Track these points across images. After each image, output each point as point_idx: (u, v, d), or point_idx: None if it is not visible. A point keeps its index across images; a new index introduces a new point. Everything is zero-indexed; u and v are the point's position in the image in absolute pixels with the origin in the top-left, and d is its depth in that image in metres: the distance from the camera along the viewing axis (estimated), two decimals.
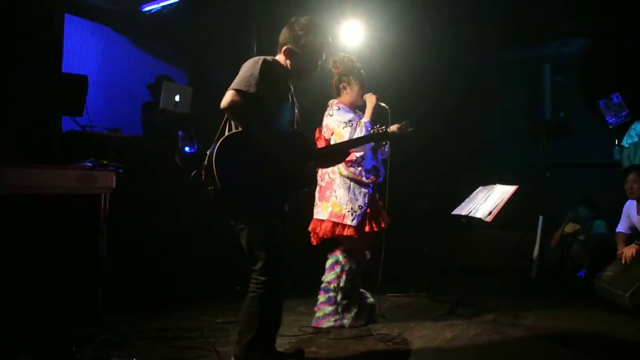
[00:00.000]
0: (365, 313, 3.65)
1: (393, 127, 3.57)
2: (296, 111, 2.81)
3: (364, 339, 3.38)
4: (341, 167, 3.59)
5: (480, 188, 4.39)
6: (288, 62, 2.68)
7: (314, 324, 3.63)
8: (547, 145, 6.00)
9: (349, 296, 3.63)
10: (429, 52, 6.31)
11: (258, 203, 2.47)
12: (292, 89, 2.75)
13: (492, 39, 6.25)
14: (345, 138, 3.42)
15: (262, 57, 2.53)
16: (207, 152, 2.40)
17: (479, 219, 3.97)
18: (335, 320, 3.60)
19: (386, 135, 3.32)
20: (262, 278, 2.50)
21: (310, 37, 2.65)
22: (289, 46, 2.66)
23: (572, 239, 5.45)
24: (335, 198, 3.58)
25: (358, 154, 3.57)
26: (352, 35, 5.00)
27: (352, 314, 3.61)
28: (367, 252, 3.75)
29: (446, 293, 4.57)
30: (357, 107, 3.73)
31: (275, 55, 2.71)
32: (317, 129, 3.74)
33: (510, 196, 4.01)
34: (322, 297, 3.70)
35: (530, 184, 5.45)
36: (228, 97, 2.41)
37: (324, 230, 3.58)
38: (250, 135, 2.45)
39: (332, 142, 3.53)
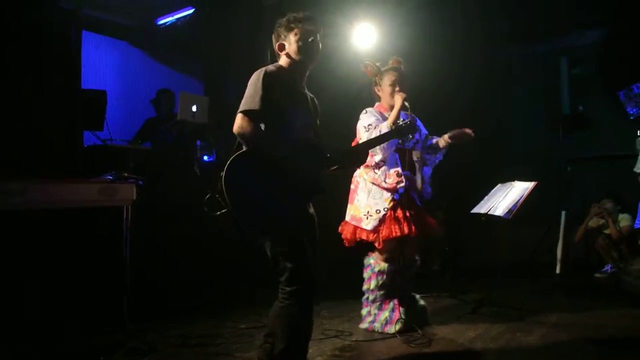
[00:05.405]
0: (395, 320, 3.51)
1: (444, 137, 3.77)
2: (312, 113, 2.73)
3: (387, 340, 3.38)
4: (362, 171, 3.60)
5: (498, 185, 4.35)
6: (287, 59, 2.63)
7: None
8: (566, 139, 5.93)
9: (380, 300, 3.60)
10: (442, 50, 6.27)
11: (275, 215, 2.44)
12: (304, 90, 2.71)
13: (506, 34, 6.19)
14: None
15: (263, 70, 2.51)
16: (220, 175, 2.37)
17: (499, 217, 3.95)
18: (369, 323, 3.62)
19: (397, 132, 3.10)
20: (288, 289, 2.45)
21: (293, 21, 2.60)
22: (280, 42, 2.63)
23: (597, 234, 5.38)
24: (357, 201, 3.60)
25: (377, 158, 3.51)
26: (365, 38, 5.02)
27: (383, 318, 3.57)
28: (417, 256, 3.72)
29: (469, 292, 4.55)
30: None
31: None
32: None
33: (530, 192, 3.98)
34: (363, 298, 3.72)
35: (551, 179, 5.39)
36: (237, 121, 2.43)
37: (346, 232, 3.61)
38: (260, 152, 2.43)
39: None
